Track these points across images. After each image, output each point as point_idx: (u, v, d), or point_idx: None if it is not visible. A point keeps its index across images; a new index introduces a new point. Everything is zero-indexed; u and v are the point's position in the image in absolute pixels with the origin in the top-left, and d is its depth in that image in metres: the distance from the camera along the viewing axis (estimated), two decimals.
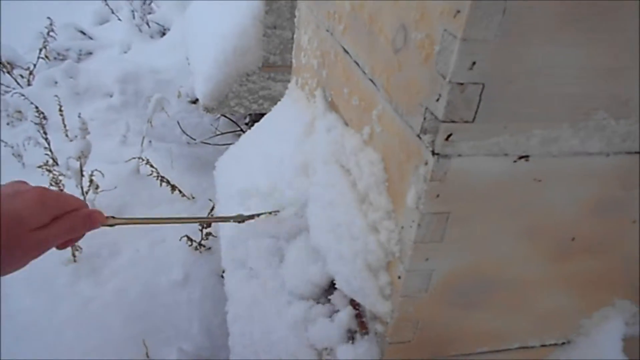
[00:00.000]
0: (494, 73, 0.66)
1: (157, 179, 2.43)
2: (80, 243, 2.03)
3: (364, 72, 0.96)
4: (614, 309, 0.99)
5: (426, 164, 0.73)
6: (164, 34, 4.47)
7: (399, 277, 0.84)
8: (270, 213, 1.15)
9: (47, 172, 2.08)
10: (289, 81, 1.65)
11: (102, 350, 1.70)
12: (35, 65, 3.68)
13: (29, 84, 3.56)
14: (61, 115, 2.79)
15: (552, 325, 0.99)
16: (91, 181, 2.23)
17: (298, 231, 1.15)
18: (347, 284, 0.94)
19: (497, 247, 0.84)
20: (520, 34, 0.63)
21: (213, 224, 2.10)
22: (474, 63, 0.64)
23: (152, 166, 2.44)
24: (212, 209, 2.06)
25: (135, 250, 2.11)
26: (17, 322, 1.78)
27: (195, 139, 3.05)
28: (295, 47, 1.52)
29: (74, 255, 2.01)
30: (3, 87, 3.42)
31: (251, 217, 1.15)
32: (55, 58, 3.98)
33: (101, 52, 4.23)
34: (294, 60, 1.54)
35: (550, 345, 1.02)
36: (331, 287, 1.04)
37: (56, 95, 2.85)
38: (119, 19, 4.79)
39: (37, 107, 2.78)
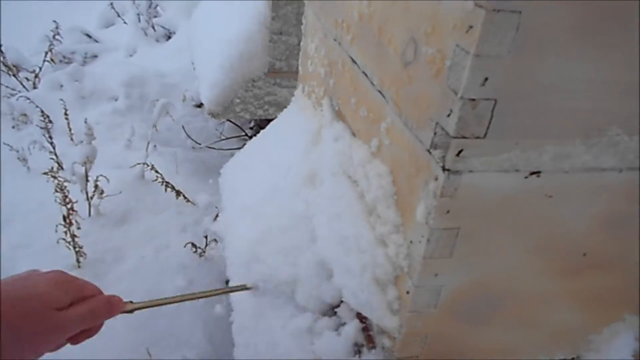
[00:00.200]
0: (506, 89, 0.65)
1: (162, 184, 2.42)
2: (85, 248, 2.03)
3: (372, 83, 0.95)
4: (624, 324, 0.98)
5: (436, 179, 0.72)
6: (169, 37, 4.47)
7: (408, 292, 0.83)
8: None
9: (52, 179, 2.08)
10: (294, 87, 1.65)
11: (105, 357, 1.69)
12: (40, 68, 3.69)
13: (34, 87, 3.57)
14: (66, 119, 2.80)
15: (562, 340, 0.98)
16: (96, 186, 2.23)
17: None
18: (354, 298, 0.93)
19: (506, 263, 0.83)
20: (533, 49, 0.62)
21: (217, 230, 2.09)
22: (486, 79, 0.63)
23: (157, 172, 2.44)
24: (217, 216, 2.05)
25: (140, 256, 2.10)
26: None
27: (200, 144, 3.05)
28: (302, 54, 1.52)
29: (78, 261, 2.01)
30: (9, 90, 3.43)
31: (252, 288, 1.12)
32: (60, 61, 4.00)
33: (107, 56, 4.24)
34: (300, 68, 1.54)
35: None
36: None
37: (61, 99, 2.85)
38: (125, 22, 4.80)
39: (42, 111, 2.78)
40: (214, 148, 3.03)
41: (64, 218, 1.98)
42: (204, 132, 3.17)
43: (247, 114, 2.33)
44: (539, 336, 0.96)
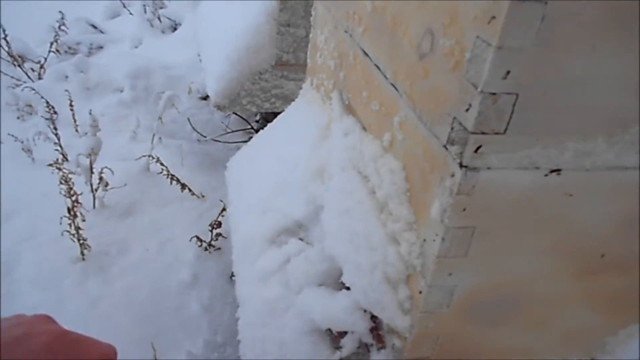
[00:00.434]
0: (529, 83, 0.62)
1: (167, 177, 2.40)
2: (89, 241, 2.01)
3: (385, 77, 0.93)
4: None
5: (453, 176, 0.70)
6: (175, 29, 4.44)
7: (420, 292, 0.81)
8: None
9: (57, 170, 2.06)
10: (302, 80, 1.62)
11: None
12: (46, 59, 3.67)
13: (39, 78, 3.55)
14: (71, 110, 2.78)
15: (576, 342, 0.96)
16: (101, 178, 2.21)
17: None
18: (364, 297, 0.91)
19: (523, 263, 0.81)
20: (558, 42, 0.60)
21: (224, 225, 2.07)
22: (508, 72, 0.61)
23: (162, 164, 2.42)
24: (223, 209, 2.03)
25: (144, 249, 2.08)
26: None
27: (205, 136, 3.02)
28: (310, 46, 1.49)
29: (82, 254, 1.99)
30: (14, 81, 3.41)
31: None
32: (66, 52, 3.98)
33: (112, 47, 4.22)
34: (309, 61, 1.51)
35: None
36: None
37: (66, 90, 2.83)
38: (131, 14, 4.77)
39: (47, 102, 2.76)
40: (219, 141, 3.01)
41: (69, 210, 1.97)
42: (209, 124, 3.15)
43: (253, 106, 2.30)
44: (552, 338, 0.94)
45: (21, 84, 3.31)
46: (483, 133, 0.65)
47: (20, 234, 2.09)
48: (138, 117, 2.93)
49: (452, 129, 0.69)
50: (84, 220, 2.05)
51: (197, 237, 2.09)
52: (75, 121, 2.85)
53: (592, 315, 0.92)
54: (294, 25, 2.08)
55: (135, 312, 1.81)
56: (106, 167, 2.21)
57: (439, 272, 0.77)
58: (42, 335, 0.60)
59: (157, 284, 1.93)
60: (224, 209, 2.02)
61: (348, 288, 0.97)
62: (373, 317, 0.97)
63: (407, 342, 0.86)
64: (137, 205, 2.33)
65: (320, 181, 1.15)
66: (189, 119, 3.06)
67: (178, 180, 2.41)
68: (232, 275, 1.92)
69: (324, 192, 1.12)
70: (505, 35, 0.58)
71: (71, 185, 2.02)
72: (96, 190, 2.23)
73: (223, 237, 2.11)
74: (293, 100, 1.58)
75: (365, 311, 0.96)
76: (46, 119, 2.66)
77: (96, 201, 2.26)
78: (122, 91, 3.33)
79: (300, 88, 1.57)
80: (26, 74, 3.55)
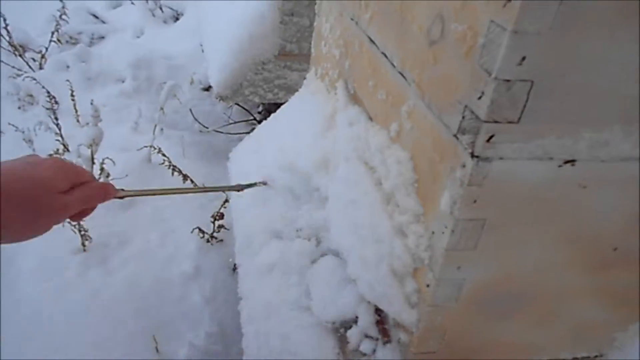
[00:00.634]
0: (544, 69, 0.60)
1: (169, 168, 2.38)
2: (90, 232, 1.99)
3: (392, 65, 0.90)
4: None
5: (464, 166, 0.67)
6: (177, 19, 4.40)
7: (428, 286, 0.79)
8: (263, 184, 1.23)
9: None
10: (305, 70, 1.59)
11: (111, 342, 1.67)
12: (47, 49, 3.64)
13: (40, 68, 3.52)
14: (73, 100, 2.76)
15: (586, 337, 0.94)
16: (102, 169, 2.19)
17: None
18: (370, 290, 0.89)
19: (533, 256, 0.78)
20: (577, 26, 0.57)
21: (226, 216, 2.05)
22: (523, 58, 0.58)
23: (164, 155, 2.39)
24: (225, 201, 2.01)
25: (146, 240, 2.07)
26: (25, 310, 1.75)
27: (207, 127, 3.00)
28: (315, 35, 1.46)
29: (83, 245, 1.98)
30: (15, 71, 3.38)
31: (249, 185, 1.21)
32: (67, 42, 3.94)
33: (114, 37, 4.18)
34: (313, 50, 1.48)
35: (582, 358, 0.96)
36: None
37: (68, 80, 2.81)
38: (132, 3, 4.72)
39: (48, 92, 2.74)
40: (221, 132, 2.98)
41: None
42: (211, 115, 3.12)
43: (256, 97, 2.28)
44: (562, 332, 0.92)
45: (22, 74, 3.28)
46: (496, 122, 0.63)
47: None
48: (140, 107, 2.91)
49: (463, 117, 0.67)
50: None
51: (199, 229, 2.07)
52: (76, 111, 2.83)
53: (603, 310, 0.90)
54: (297, 14, 2.05)
55: (137, 304, 1.80)
56: (107, 157, 2.18)
57: (447, 265, 0.75)
58: (49, 161, 0.74)
59: (158, 276, 1.91)
60: (226, 201, 2.00)
61: (353, 281, 0.95)
62: (378, 311, 0.95)
63: (413, 337, 0.85)
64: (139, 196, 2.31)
65: (325, 172, 1.13)
66: (191, 110, 3.04)
67: (180, 171, 2.38)
68: (235, 267, 1.91)
69: (328, 183, 1.10)
70: (521, 19, 0.55)
71: None
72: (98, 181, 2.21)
73: (225, 228, 2.09)
74: (296, 90, 1.55)
75: (370, 304, 0.95)
76: (47, 109, 2.64)
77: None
78: (123, 81, 3.30)
79: (304, 78, 1.55)
80: (27, 64, 3.53)
